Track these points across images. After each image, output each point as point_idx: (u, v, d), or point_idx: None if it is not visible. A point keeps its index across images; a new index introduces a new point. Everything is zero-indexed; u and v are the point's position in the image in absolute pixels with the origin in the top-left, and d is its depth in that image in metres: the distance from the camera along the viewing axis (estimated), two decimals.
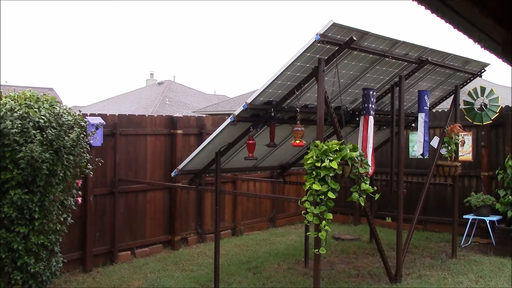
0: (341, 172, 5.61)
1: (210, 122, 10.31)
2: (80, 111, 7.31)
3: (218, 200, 7.07)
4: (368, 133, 6.93)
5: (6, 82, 34.60)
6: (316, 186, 5.47)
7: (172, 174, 7.41)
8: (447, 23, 1.72)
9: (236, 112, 6.26)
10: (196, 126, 10.06)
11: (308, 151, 5.71)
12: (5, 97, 6.25)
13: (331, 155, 5.54)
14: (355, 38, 5.86)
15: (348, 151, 5.64)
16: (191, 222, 10.04)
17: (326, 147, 5.57)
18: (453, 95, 9.22)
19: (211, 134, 6.78)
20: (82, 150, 6.61)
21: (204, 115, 11.34)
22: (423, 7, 1.67)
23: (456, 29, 1.75)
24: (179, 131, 9.60)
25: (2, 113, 5.87)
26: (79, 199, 6.93)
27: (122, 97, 42.45)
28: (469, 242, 10.03)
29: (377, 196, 6.50)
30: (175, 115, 9.95)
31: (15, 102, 6.14)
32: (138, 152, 9.03)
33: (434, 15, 1.64)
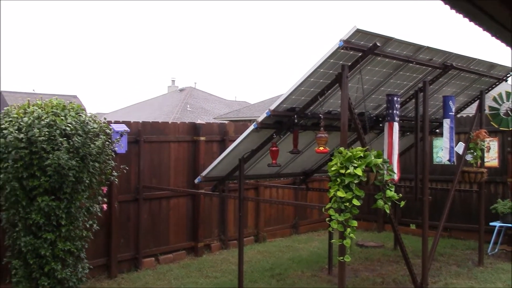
0: (365, 179, 5.57)
1: (232, 128, 10.34)
2: (105, 119, 7.41)
3: (242, 207, 7.07)
4: (393, 140, 6.87)
5: (34, 90, 35.32)
6: (340, 193, 5.44)
7: (196, 180, 7.45)
8: (485, 31, 1.70)
9: (260, 119, 6.27)
10: (218, 132, 10.09)
11: (332, 158, 5.68)
12: (33, 105, 6.37)
13: (355, 161, 5.51)
14: (378, 44, 5.82)
15: (373, 158, 5.60)
16: (214, 228, 10.06)
17: (351, 153, 5.54)
18: (478, 100, 9.09)
19: (234, 140, 6.80)
20: (107, 157, 6.68)
21: (225, 122, 11.37)
22: (460, 15, 1.65)
23: (493, 37, 1.73)
24: (202, 138, 9.65)
25: (30, 121, 5.98)
26: (104, 206, 7.01)
27: (144, 104, 42.90)
28: (496, 250, 9.84)
29: (402, 203, 6.43)
30: (197, 122, 10.01)
31: (42, 110, 6.24)
32: (161, 159, 9.10)
33: (469, 22, 1.62)
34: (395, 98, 6.90)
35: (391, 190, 5.85)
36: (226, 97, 45.07)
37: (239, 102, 44.30)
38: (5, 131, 5.97)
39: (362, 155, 5.58)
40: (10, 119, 6.12)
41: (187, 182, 9.46)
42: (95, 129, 6.47)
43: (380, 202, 5.82)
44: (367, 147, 5.95)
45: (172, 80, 47.44)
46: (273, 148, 6.66)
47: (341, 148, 5.67)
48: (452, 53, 7.13)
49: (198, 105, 38.49)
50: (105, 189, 7.00)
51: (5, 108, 6.44)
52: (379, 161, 5.65)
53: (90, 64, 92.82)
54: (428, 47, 6.63)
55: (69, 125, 6.15)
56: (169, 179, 9.23)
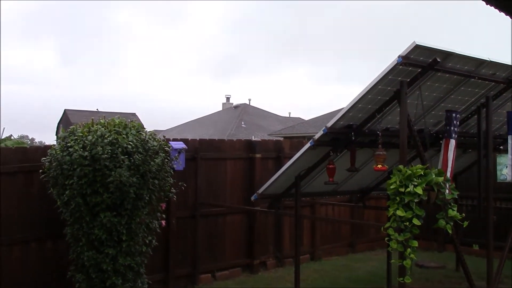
0: (426, 197, 5.42)
1: (288, 145, 10.33)
2: (164, 137, 7.59)
3: (298, 225, 7.03)
4: (448, 157, 6.70)
5: (97, 109, 36.77)
6: (400, 212, 5.31)
7: (252, 198, 7.48)
8: None
9: (316, 136, 6.25)
10: (274, 149, 10.11)
11: (391, 176, 5.57)
12: (96, 124, 6.62)
13: (415, 180, 5.37)
14: (438, 60, 5.70)
15: (434, 176, 5.45)
16: (270, 246, 10.04)
17: (410, 171, 5.41)
18: None
19: (289, 157, 6.80)
20: (166, 175, 6.83)
21: (280, 138, 11.39)
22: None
23: None
24: (258, 155, 9.69)
25: (94, 140, 6.21)
26: (163, 222, 7.14)
27: (199, 121, 43.65)
28: None
29: (465, 223, 6.20)
30: (253, 139, 10.08)
31: (105, 129, 6.47)
32: (218, 176, 9.20)
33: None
34: (453, 115, 6.72)
35: (453, 210, 5.65)
36: (280, 114, 45.18)
37: (293, 118, 44.31)
38: (70, 149, 6.22)
39: (422, 173, 5.44)
40: (76, 137, 6.38)
41: (243, 199, 9.50)
42: (154, 147, 6.64)
43: (442, 222, 5.63)
44: (427, 164, 5.80)
45: (227, 97, 48.08)
46: (330, 166, 6.61)
47: (400, 166, 5.55)
48: None
49: (253, 122, 38.78)
50: (163, 205, 7.15)
51: (71, 127, 6.72)
52: (440, 179, 5.49)
53: (147, 81, 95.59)
54: (490, 61, 6.42)
55: (130, 143, 6.34)
56: (226, 196, 9.32)
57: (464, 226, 6.23)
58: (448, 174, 6.61)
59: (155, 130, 7.94)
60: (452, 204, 5.69)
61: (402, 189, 5.36)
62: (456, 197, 6.02)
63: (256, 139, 10.09)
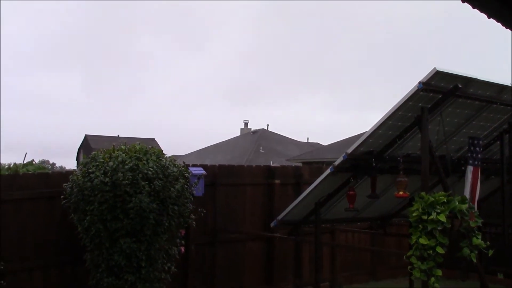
0: (449, 225, 5.32)
1: (307, 171, 10.28)
2: (184, 162, 7.62)
3: (318, 252, 6.95)
4: (474, 184, 6.59)
5: (118, 135, 37.25)
6: (423, 240, 5.22)
7: (272, 224, 7.43)
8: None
9: (336, 163, 6.21)
10: (293, 175, 10.07)
11: (413, 203, 5.49)
12: (117, 150, 6.68)
13: (438, 207, 5.29)
14: (460, 86, 5.67)
15: (457, 203, 5.36)
16: (289, 273, 9.91)
17: (433, 199, 5.33)
18: None
19: (309, 183, 6.76)
20: (185, 201, 6.83)
21: (298, 163, 11.35)
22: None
23: None
24: (277, 181, 9.65)
25: (115, 166, 6.27)
26: (182, 248, 7.12)
27: (218, 146, 43.80)
28: None
29: (490, 252, 6.06)
30: (272, 165, 10.07)
31: (126, 155, 6.53)
32: (237, 202, 9.18)
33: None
34: (476, 141, 6.64)
35: (477, 238, 5.54)
36: (298, 139, 45.16)
37: (311, 143, 44.26)
38: (92, 175, 6.28)
39: (445, 200, 5.36)
40: (97, 163, 6.44)
41: (262, 225, 9.44)
42: (174, 173, 6.66)
43: (466, 250, 5.51)
44: (450, 191, 5.72)
45: (245, 123, 48.27)
46: (350, 192, 6.55)
47: (423, 193, 5.47)
48: None
49: (271, 147, 38.80)
50: (183, 231, 7.13)
51: (93, 153, 6.80)
52: (464, 206, 5.39)
53: (167, 107, 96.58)
54: None
55: (151, 169, 6.38)
56: (245, 222, 9.27)
57: (489, 255, 6.09)
58: (473, 202, 6.49)
59: (174, 155, 7.99)
60: (477, 232, 5.58)
61: (424, 217, 5.28)
62: (480, 224, 5.90)
63: (275, 164, 10.08)
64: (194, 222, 7.32)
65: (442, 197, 5.37)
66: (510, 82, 6.33)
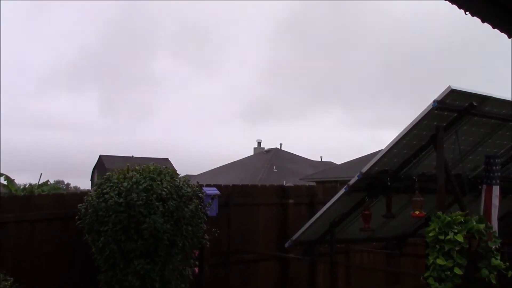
0: (467, 245, 5.24)
1: (321, 191, 10.22)
2: (197, 182, 7.62)
3: (333, 273, 6.87)
4: (492, 204, 6.49)
5: (133, 155, 37.47)
6: (440, 261, 5.14)
7: (286, 245, 7.37)
8: None
9: (351, 182, 6.17)
10: (307, 195, 10.01)
11: (430, 223, 5.42)
12: (132, 171, 6.71)
13: (455, 227, 5.21)
14: (475, 104, 5.63)
15: (475, 223, 5.28)
16: None
17: (450, 218, 5.26)
18: None
19: (323, 203, 6.72)
20: (199, 221, 6.82)
21: (312, 183, 11.29)
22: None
23: None
24: (291, 201, 9.60)
25: (129, 186, 6.29)
26: (196, 269, 7.08)
27: (231, 165, 43.81)
28: None
29: (510, 273, 5.94)
30: (286, 184, 10.03)
31: (140, 175, 6.55)
32: (251, 222, 9.13)
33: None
34: (492, 160, 6.56)
35: (496, 258, 5.44)
36: (311, 158, 45.05)
37: (325, 162, 44.10)
38: (106, 196, 6.30)
39: (462, 220, 5.29)
40: (112, 184, 6.46)
41: (276, 245, 9.37)
42: (188, 193, 6.66)
43: (485, 271, 5.41)
44: (467, 211, 5.64)
45: (258, 142, 48.30)
46: (366, 212, 6.49)
47: (439, 213, 5.40)
48: None
49: (284, 166, 38.71)
50: (197, 252, 7.10)
51: (107, 173, 6.83)
52: (482, 226, 5.31)
53: (180, 127, 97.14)
54: None
55: (165, 189, 6.39)
56: (258, 242, 9.20)
57: (509, 276, 5.96)
58: (495, 222, 6.39)
59: (187, 175, 8.00)
60: (495, 252, 5.48)
61: (441, 237, 5.20)
62: (499, 245, 5.80)
63: (288, 184, 10.04)
64: (208, 243, 7.28)
65: (459, 216, 5.30)
66: None
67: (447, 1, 2.49)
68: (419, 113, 5.63)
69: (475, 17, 2.63)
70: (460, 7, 2.60)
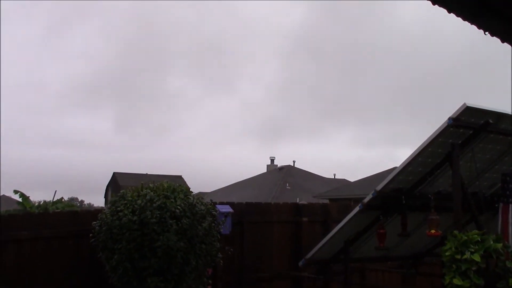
0: (484, 265, 5.15)
1: (335, 209, 10.14)
2: (211, 200, 7.61)
3: None
4: (510, 222, 6.38)
5: (147, 173, 37.66)
6: (457, 281, 5.05)
7: (300, 263, 7.31)
8: None
9: (365, 200, 6.12)
10: (321, 213, 9.93)
11: (446, 242, 5.35)
12: (146, 188, 6.72)
13: (472, 246, 5.13)
14: (491, 121, 5.58)
15: (492, 242, 5.19)
16: None
17: (466, 237, 5.18)
18: None
19: (337, 221, 6.67)
20: (213, 239, 6.78)
21: (325, 200, 11.22)
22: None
23: None
24: (305, 219, 9.54)
25: (143, 204, 6.29)
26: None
27: (244, 183, 43.74)
28: None
29: None
30: (299, 202, 9.98)
31: (154, 193, 6.55)
32: (264, 240, 9.07)
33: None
34: (509, 178, 6.47)
35: None
36: (325, 175, 44.81)
37: (338, 180, 43.80)
38: (120, 213, 6.31)
39: (479, 239, 5.20)
40: (126, 201, 6.48)
41: (290, 263, 9.28)
42: (202, 211, 6.65)
43: None
44: (484, 230, 5.55)
45: (271, 159, 48.21)
46: (381, 231, 6.43)
47: (455, 231, 5.33)
48: None
49: (297, 184, 38.55)
50: (210, 270, 7.06)
51: (122, 191, 6.85)
52: (499, 245, 5.22)
53: (193, 144, 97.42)
54: None
55: (178, 207, 6.38)
56: (272, 261, 9.13)
57: None
58: (506, 240, 6.28)
59: (200, 192, 8.00)
60: None
61: (458, 256, 5.12)
62: None
63: (302, 202, 9.98)
64: (221, 261, 7.24)
65: (476, 235, 5.22)
66: None
67: (466, 22, 2.48)
68: (434, 131, 5.59)
69: (494, 37, 2.62)
70: (479, 28, 2.59)
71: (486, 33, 2.62)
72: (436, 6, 2.40)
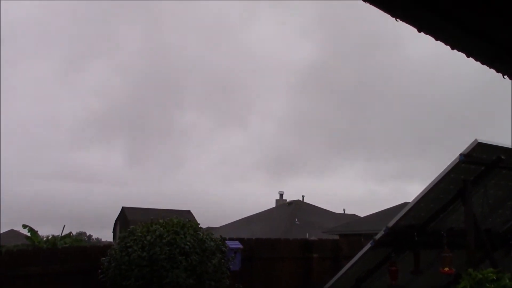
0: None
1: (345, 244, 10.02)
2: (221, 236, 7.54)
3: None
4: None
5: (155, 208, 37.60)
6: None
7: None
8: None
9: (377, 237, 6.05)
10: (331, 249, 9.82)
11: (460, 281, 5.23)
12: (155, 224, 6.68)
13: (487, 285, 5.01)
14: (503, 157, 5.54)
15: (508, 281, 5.07)
16: None
17: (481, 276, 5.06)
18: None
19: (347, 257, 6.59)
20: (222, 276, 6.70)
21: (335, 235, 11.11)
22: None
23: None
24: (315, 255, 9.42)
25: (152, 240, 6.25)
26: None
27: (253, 218, 43.41)
28: None
29: None
30: (309, 237, 9.88)
31: (163, 229, 6.52)
32: (274, 276, 8.95)
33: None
34: None
35: None
36: (334, 210, 44.41)
37: (348, 215, 43.37)
38: (129, 249, 6.26)
39: (494, 277, 5.08)
40: (135, 237, 6.44)
41: None
42: (211, 247, 6.59)
43: None
44: (499, 268, 5.43)
45: (280, 194, 47.94)
46: (393, 268, 6.32)
47: (470, 270, 5.21)
48: None
49: (306, 219, 38.20)
50: None
51: (131, 226, 6.82)
52: None
53: (203, 179, 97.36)
54: None
55: (188, 243, 6.33)
56: None
57: None
58: None
59: (209, 227, 7.94)
60: None
61: None
62: None
63: (312, 237, 9.88)
64: None
65: (491, 274, 5.09)
66: None
67: (484, 65, 2.49)
68: (445, 166, 5.56)
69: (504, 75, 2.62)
70: (498, 71, 2.59)
71: (505, 76, 2.62)
72: (455, 50, 2.39)
